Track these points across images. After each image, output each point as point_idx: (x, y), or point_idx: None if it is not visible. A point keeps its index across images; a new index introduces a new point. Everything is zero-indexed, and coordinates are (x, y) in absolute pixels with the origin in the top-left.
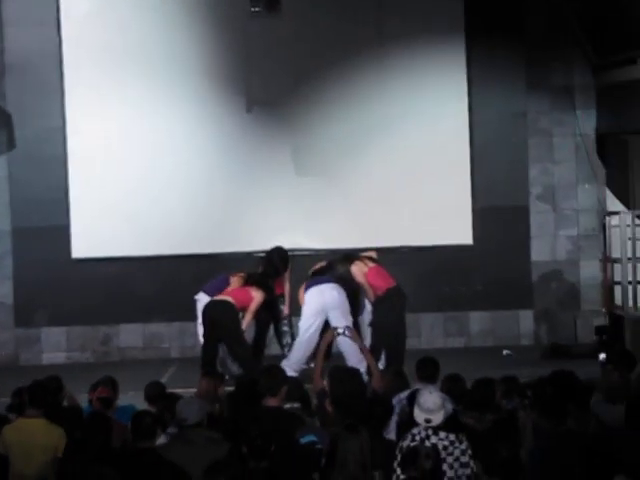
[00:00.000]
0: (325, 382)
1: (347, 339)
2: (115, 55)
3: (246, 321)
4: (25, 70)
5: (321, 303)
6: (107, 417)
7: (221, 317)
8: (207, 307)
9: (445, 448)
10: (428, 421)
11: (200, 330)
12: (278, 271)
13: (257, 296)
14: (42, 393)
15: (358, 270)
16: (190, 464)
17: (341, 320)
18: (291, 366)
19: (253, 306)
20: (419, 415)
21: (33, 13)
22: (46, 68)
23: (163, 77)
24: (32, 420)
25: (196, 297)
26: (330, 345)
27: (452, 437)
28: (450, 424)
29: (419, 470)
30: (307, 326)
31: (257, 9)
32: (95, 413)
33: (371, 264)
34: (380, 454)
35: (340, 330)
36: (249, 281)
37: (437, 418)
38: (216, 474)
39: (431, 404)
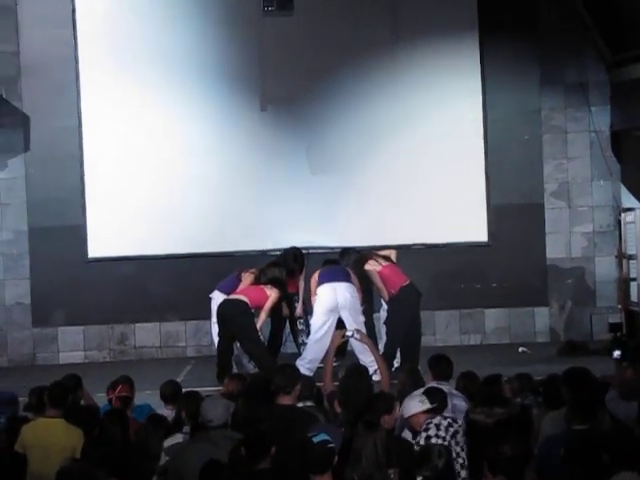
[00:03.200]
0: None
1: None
2: (130, 55)
3: (261, 319)
4: (41, 71)
5: (333, 302)
6: (125, 414)
7: (235, 316)
8: (221, 306)
9: (450, 425)
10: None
11: (215, 329)
12: (293, 272)
13: (272, 294)
14: (62, 393)
15: (372, 269)
16: None
17: (351, 322)
18: (305, 365)
19: (268, 304)
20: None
21: (48, 15)
22: (62, 69)
23: (178, 76)
24: (51, 420)
25: (211, 295)
26: (345, 343)
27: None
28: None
29: (432, 469)
30: (319, 324)
31: (270, 8)
32: (113, 411)
33: (384, 262)
34: (394, 452)
35: (349, 333)
36: (262, 279)
37: None
38: (213, 475)
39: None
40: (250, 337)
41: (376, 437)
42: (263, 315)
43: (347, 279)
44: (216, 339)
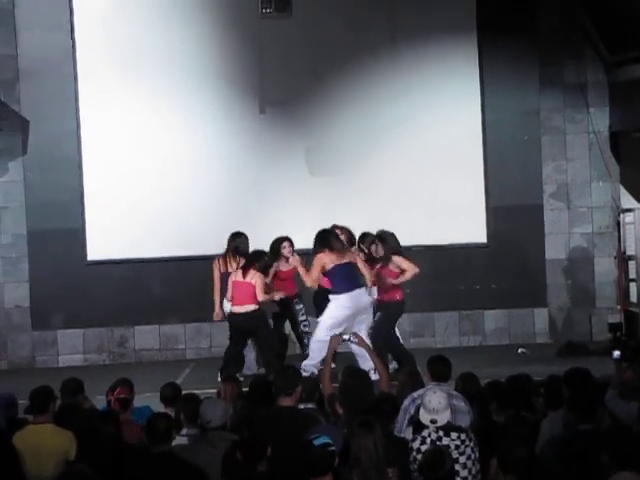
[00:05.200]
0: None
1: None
2: (128, 58)
3: (265, 300)
4: (39, 74)
5: (355, 309)
6: (117, 417)
7: (253, 327)
8: (235, 319)
9: (457, 447)
10: (434, 422)
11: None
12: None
13: (256, 281)
14: (44, 399)
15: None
16: (212, 467)
17: (361, 326)
18: (316, 365)
19: (259, 290)
20: (424, 416)
21: (46, 18)
22: (60, 72)
23: (177, 79)
24: (39, 426)
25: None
26: None
27: (463, 436)
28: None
29: (444, 472)
30: (333, 328)
31: (268, 10)
32: (105, 412)
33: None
34: (393, 452)
35: (346, 337)
36: (244, 266)
37: (442, 418)
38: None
39: (436, 404)
40: (269, 342)
41: (374, 437)
42: (264, 298)
43: (360, 283)
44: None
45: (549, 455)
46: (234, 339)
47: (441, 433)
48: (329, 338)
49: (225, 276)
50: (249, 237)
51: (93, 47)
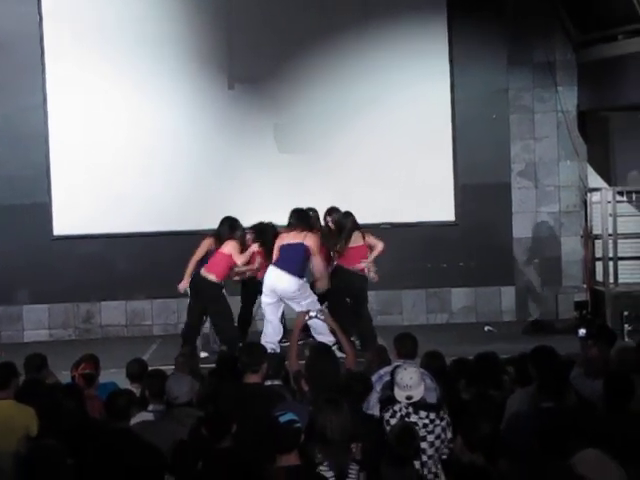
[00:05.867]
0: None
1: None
2: (96, 31)
3: (242, 264)
4: (5, 48)
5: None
6: (80, 390)
7: (207, 295)
8: (194, 281)
9: (425, 426)
10: (409, 398)
11: None
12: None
13: (230, 248)
14: (5, 375)
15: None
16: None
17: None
18: (274, 343)
19: (234, 255)
20: (399, 393)
21: None
22: (26, 45)
23: (145, 53)
24: (0, 402)
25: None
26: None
27: (432, 415)
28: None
29: (412, 448)
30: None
31: None
32: (67, 387)
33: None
34: (361, 428)
35: (312, 313)
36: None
37: (417, 393)
38: (181, 454)
39: (408, 380)
40: (222, 315)
41: (340, 413)
42: (242, 261)
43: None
44: None
45: (511, 431)
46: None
47: (410, 409)
48: (272, 318)
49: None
50: (219, 214)
51: (60, 21)
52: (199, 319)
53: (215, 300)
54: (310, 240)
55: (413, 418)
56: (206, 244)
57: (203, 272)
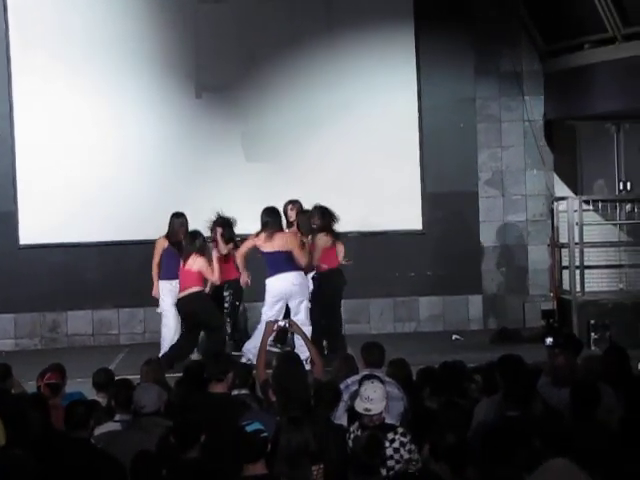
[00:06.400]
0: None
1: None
2: (63, 39)
3: (216, 278)
4: None
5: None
6: (44, 400)
7: (198, 309)
8: (178, 304)
9: (392, 443)
10: (367, 410)
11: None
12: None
13: (199, 265)
14: None
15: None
16: None
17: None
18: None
19: (206, 273)
20: (359, 404)
21: None
22: None
23: (112, 61)
24: None
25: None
26: (285, 331)
27: (397, 436)
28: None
29: (380, 456)
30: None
31: None
32: (31, 397)
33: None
34: (329, 439)
35: (281, 323)
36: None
37: (376, 408)
38: (142, 464)
39: (371, 392)
40: (217, 324)
41: (304, 431)
42: (213, 277)
43: (291, 268)
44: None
45: (477, 440)
46: (185, 326)
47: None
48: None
49: (167, 253)
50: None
51: (26, 27)
52: (195, 341)
53: (204, 310)
54: (291, 244)
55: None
56: (160, 246)
57: (181, 294)
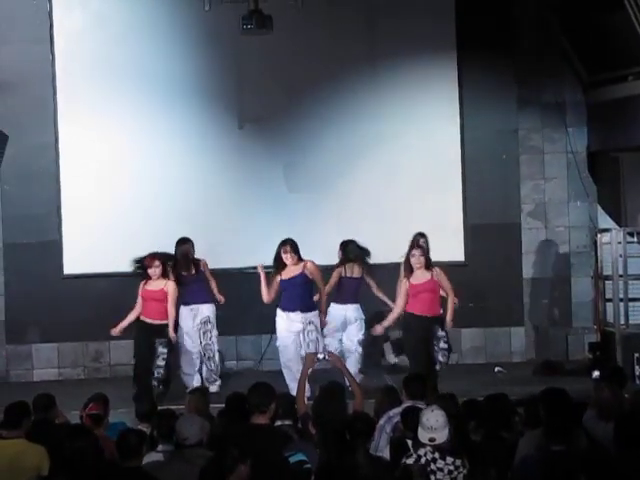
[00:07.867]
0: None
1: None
2: (108, 71)
3: (171, 314)
4: (18, 87)
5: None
6: (91, 432)
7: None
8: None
9: (450, 472)
10: (432, 440)
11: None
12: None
13: (168, 288)
14: (17, 414)
15: None
16: None
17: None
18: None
19: (170, 298)
20: (422, 434)
21: (26, 30)
22: (39, 85)
23: (156, 93)
24: (12, 441)
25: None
26: None
27: (458, 462)
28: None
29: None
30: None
31: (249, 26)
32: (74, 428)
33: None
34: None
35: (320, 356)
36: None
37: (441, 436)
38: None
39: (434, 422)
40: None
41: (358, 459)
42: (171, 309)
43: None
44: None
45: (520, 475)
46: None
47: (437, 455)
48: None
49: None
50: (229, 254)
51: (72, 60)
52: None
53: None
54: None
55: (439, 464)
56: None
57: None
